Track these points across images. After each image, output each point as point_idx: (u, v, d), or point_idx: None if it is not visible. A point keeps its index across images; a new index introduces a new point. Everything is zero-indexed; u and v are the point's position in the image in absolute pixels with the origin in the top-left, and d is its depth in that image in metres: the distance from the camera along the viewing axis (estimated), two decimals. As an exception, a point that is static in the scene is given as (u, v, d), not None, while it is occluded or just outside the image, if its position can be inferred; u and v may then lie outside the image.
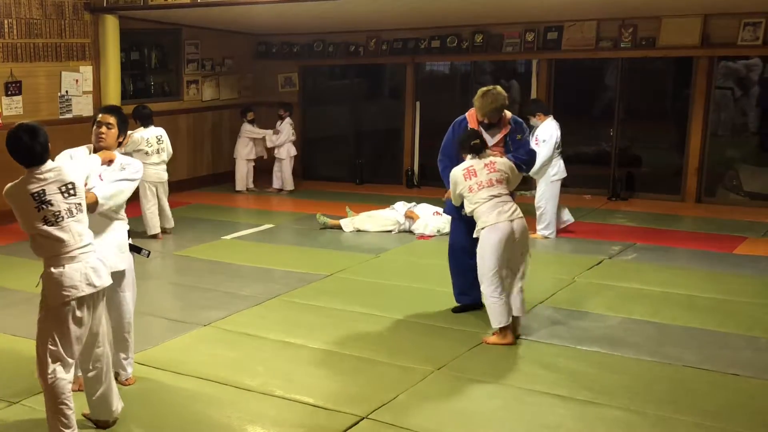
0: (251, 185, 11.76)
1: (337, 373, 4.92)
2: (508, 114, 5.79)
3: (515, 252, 5.32)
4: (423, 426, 4.20)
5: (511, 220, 5.27)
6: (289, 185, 11.67)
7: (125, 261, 4.57)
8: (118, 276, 4.43)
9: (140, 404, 4.48)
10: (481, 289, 5.41)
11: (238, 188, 11.69)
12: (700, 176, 10.35)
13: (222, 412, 4.38)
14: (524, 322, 5.75)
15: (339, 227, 8.96)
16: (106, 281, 3.91)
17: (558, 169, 8.34)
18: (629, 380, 4.77)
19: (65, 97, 9.89)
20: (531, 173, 8.38)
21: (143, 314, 6.09)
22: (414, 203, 9.09)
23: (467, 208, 5.46)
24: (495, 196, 5.32)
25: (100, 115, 4.49)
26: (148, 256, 4.76)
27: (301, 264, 7.52)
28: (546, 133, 8.23)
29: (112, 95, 10.13)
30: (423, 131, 11.84)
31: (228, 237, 8.75)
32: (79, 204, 3.84)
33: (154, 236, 8.67)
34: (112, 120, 4.44)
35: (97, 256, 3.90)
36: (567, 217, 8.66)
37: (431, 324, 5.78)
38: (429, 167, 11.83)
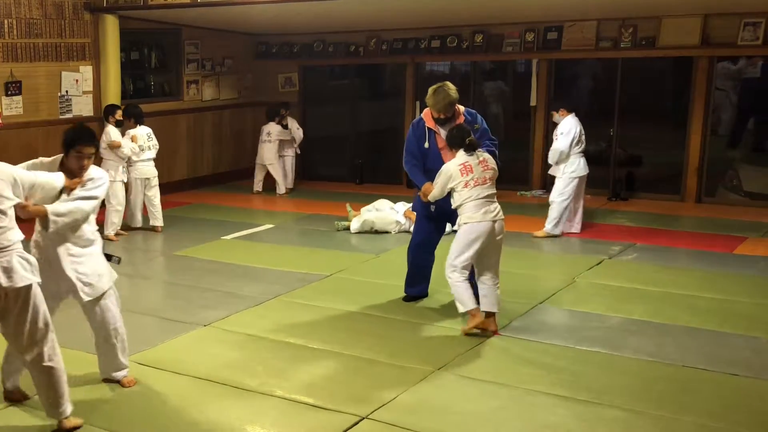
0: (260, 188, 11.65)
1: (337, 373, 4.92)
2: (461, 108, 5.96)
3: (491, 250, 5.52)
4: (423, 426, 4.20)
5: (494, 221, 5.47)
6: (291, 183, 11.69)
7: (111, 276, 4.62)
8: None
9: (140, 404, 4.48)
10: (447, 274, 5.55)
11: (281, 192, 11.45)
12: (700, 176, 10.36)
13: (222, 412, 4.38)
14: (525, 322, 5.76)
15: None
16: (8, 283, 3.82)
17: (576, 166, 8.41)
18: (629, 380, 4.78)
19: (65, 97, 9.89)
20: (550, 166, 8.49)
21: (143, 314, 6.10)
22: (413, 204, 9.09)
23: (456, 201, 5.57)
24: (487, 196, 5.48)
25: (82, 147, 4.31)
26: (119, 263, 4.73)
27: (301, 264, 7.52)
28: (565, 127, 8.34)
29: (112, 95, 10.13)
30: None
31: (228, 237, 8.75)
32: None
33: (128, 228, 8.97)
34: (93, 150, 4.38)
35: (20, 255, 3.85)
36: (575, 228, 8.65)
37: (431, 324, 5.78)
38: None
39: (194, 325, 5.78)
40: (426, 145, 5.94)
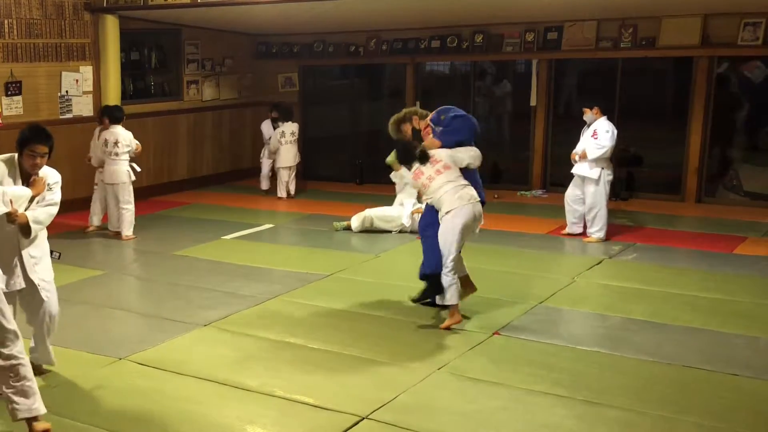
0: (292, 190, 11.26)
1: (337, 373, 4.92)
2: (422, 121, 6.10)
3: (467, 234, 5.73)
4: (423, 426, 4.20)
5: (472, 204, 5.62)
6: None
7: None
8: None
9: (140, 404, 4.48)
10: (444, 273, 5.62)
11: (281, 194, 11.12)
12: (700, 176, 10.36)
13: (222, 412, 4.38)
14: (525, 322, 5.78)
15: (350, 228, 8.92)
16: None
17: (611, 170, 8.31)
18: (629, 380, 4.78)
19: (65, 97, 9.89)
20: (590, 161, 8.16)
21: (143, 314, 6.10)
22: (417, 204, 9.01)
23: (431, 201, 5.77)
24: (450, 182, 5.63)
25: (35, 146, 4.37)
26: (59, 258, 4.82)
27: (301, 264, 7.53)
28: (608, 127, 8.17)
29: (112, 95, 10.13)
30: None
31: (228, 237, 8.75)
32: None
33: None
34: (46, 149, 4.43)
35: None
36: (580, 228, 8.53)
37: (431, 324, 5.77)
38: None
39: (194, 325, 5.78)
40: None
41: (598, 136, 8.16)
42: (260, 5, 9.56)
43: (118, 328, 5.82)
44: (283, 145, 11.04)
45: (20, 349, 3.88)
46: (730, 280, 6.87)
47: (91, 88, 10.16)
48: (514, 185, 11.33)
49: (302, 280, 6.96)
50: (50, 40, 9.64)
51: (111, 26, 10.05)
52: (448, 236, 5.58)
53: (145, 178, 11.00)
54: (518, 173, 11.52)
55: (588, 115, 8.37)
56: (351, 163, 12.65)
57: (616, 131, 8.20)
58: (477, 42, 11.23)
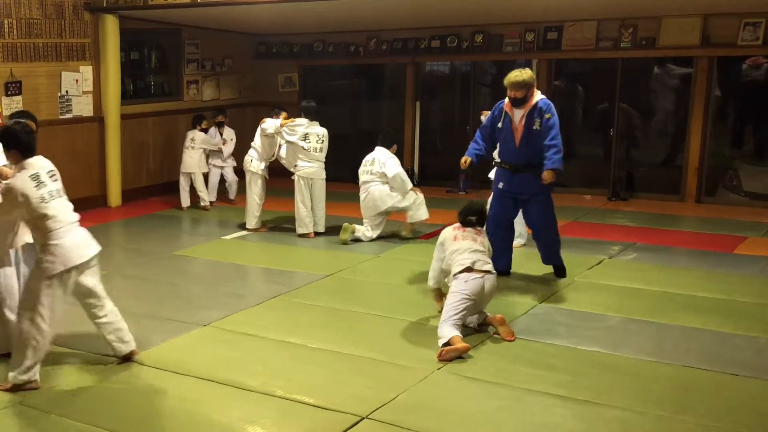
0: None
1: (337, 373, 4.93)
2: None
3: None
4: (423, 426, 4.20)
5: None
6: (213, 197, 10.79)
7: None
8: None
9: (140, 404, 4.49)
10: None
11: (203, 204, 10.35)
12: (700, 176, 10.35)
13: (222, 412, 4.38)
14: (525, 322, 5.77)
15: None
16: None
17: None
18: (629, 380, 4.78)
19: (65, 97, 9.89)
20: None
21: (143, 315, 6.10)
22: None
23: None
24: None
25: None
26: None
27: (301, 264, 7.53)
28: None
29: (112, 95, 10.14)
30: (423, 131, 11.84)
31: (228, 237, 8.75)
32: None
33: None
34: None
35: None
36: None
37: (431, 324, 5.77)
38: (429, 167, 11.84)
39: (194, 325, 5.78)
40: (500, 125, 6.59)
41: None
42: (260, 5, 9.57)
43: (118, 328, 5.82)
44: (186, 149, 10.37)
45: None
46: (730, 280, 6.87)
47: (91, 88, 10.15)
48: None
49: (302, 280, 6.96)
50: (50, 40, 9.64)
51: (111, 26, 10.05)
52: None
53: (145, 178, 11.02)
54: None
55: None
56: (351, 163, 12.63)
57: None
58: (477, 42, 11.23)
